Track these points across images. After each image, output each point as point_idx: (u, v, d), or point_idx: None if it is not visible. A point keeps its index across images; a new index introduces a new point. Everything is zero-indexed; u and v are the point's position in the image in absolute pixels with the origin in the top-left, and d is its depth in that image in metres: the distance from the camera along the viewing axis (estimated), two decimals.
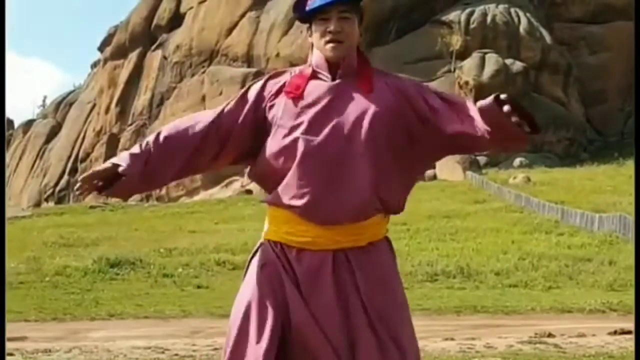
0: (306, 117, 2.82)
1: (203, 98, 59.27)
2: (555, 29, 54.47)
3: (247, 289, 2.85)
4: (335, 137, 2.79)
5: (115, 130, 67.60)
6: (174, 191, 58.46)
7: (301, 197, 2.77)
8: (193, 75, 62.04)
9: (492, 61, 48.19)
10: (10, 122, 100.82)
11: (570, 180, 34.93)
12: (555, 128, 48.02)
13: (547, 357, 7.82)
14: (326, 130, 2.79)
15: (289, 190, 2.79)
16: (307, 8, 2.89)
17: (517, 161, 44.20)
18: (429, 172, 44.31)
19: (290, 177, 2.79)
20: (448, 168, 43.38)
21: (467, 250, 19.44)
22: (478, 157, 45.56)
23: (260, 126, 2.90)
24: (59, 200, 66.73)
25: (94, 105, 73.20)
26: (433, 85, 49.76)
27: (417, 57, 50.39)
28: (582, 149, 49.14)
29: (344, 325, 2.76)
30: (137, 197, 60.69)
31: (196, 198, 53.04)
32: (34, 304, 13.00)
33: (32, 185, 73.71)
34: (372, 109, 2.82)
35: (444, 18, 52.63)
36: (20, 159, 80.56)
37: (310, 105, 2.84)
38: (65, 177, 70.22)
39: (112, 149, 66.18)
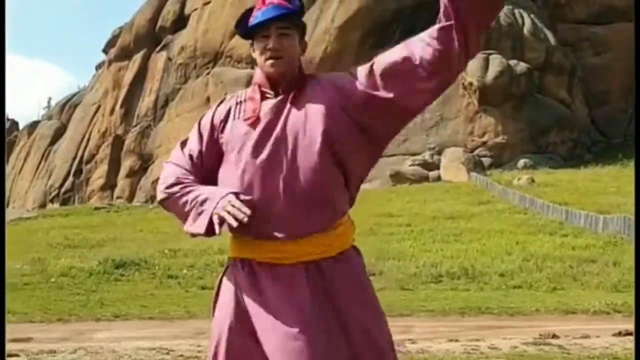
0: (252, 139, 2.85)
1: (208, 99, 59.29)
2: (559, 30, 54.39)
3: (216, 323, 2.92)
4: (282, 154, 2.81)
5: (120, 131, 67.67)
6: None
7: (261, 221, 2.77)
8: (197, 76, 62.08)
9: (496, 62, 48.13)
10: (15, 123, 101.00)
11: (574, 181, 34.90)
12: (559, 129, 47.97)
13: (552, 359, 7.83)
14: (273, 149, 2.81)
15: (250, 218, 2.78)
16: (249, 25, 2.92)
17: (521, 162, 44.17)
18: (433, 173, 44.35)
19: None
20: (452, 169, 43.43)
21: (472, 251, 19.43)
22: (482, 159, 45.56)
23: (219, 154, 2.95)
24: (64, 202, 66.81)
25: (99, 107, 73.27)
26: None
27: None
28: (586, 150, 49.05)
29: (324, 337, 2.75)
30: (141, 198, 60.82)
31: None
32: (39, 304, 13.05)
33: (37, 186, 73.80)
34: (312, 116, 2.84)
35: None
36: (25, 160, 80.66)
37: (255, 127, 2.86)
38: (70, 178, 70.29)
39: (116, 150, 66.30)
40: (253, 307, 2.81)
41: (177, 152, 3.03)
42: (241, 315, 2.83)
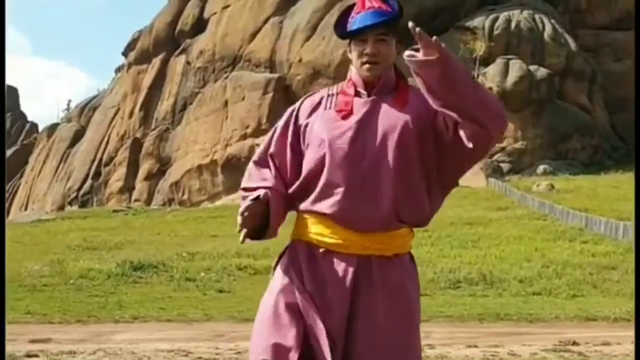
0: (341, 130, 2.88)
1: (226, 103, 59.46)
2: (580, 36, 54.20)
3: (270, 296, 2.89)
4: (367, 149, 2.86)
5: (138, 134, 67.96)
6: (196, 196, 58.71)
7: (333, 205, 2.84)
8: (216, 80, 62.25)
9: (516, 67, 48.02)
10: (35, 125, 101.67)
11: (594, 187, 34.73)
12: (580, 135, 47.78)
13: None
14: (359, 143, 2.86)
15: (321, 198, 2.86)
16: (347, 29, 2.96)
17: (540, 168, 44.01)
18: None
19: (323, 185, 2.86)
20: (471, 175, 43.23)
21: (490, 257, 19.34)
22: (501, 164, 45.40)
23: (300, 143, 2.99)
24: (83, 204, 67.14)
25: (118, 110, 73.65)
26: None
27: None
28: (606, 156, 48.80)
29: (345, 333, 2.80)
30: (159, 201, 61.01)
31: (218, 203, 53.21)
32: (57, 306, 13.07)
33: (55, 188, 74.21)
34: (403, 122, 2.88)
35: (468, 24, 52.52)
36: (44, 162, 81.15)
37: (346, 119, 2.91)
38: (89, 180, 70.65)
39: (135, 153, 66.57)
40: (305, 283, 2.86)
41: (260, 147, 3.14)
42: (291, 295, 2.85)
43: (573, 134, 47.48)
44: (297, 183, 2.94)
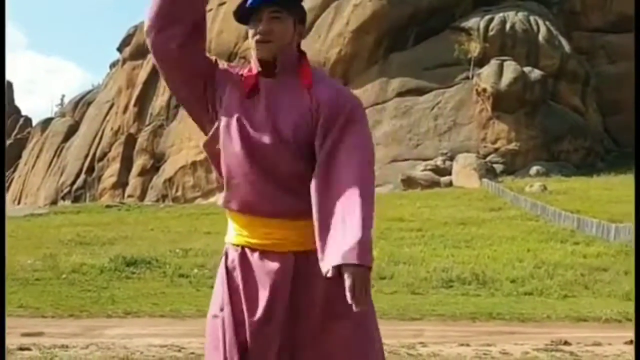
0: (246, 115, 2.86)
1: None
2: (574, 38, 54.33)
3: (212, 304, 3.00)
4: (268, 133, 2.83)
5: (132, 130, 67.90)
6: (190, 192, 58.70)
7: (246, 196, 2.86)
8: None
9: (511, 69, 48.12)
10: (29, 120, 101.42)
11: (586, 189, 34.83)
12: (573, 137, 47.90)
13: None
14: (261, 127, 2.83)
15: (237, 192, 2.89)
16: (247, 6, 2.92)
17: (533, 170, 44.12)
18: (445, 179, 44.30)
19: (235, 179, 2.89)
20: (464, 175, 43.38)
21: (483, 257, 19.40)
22: (495, 165, 45.50)
23: (212, 97, 2.98)
24: (76, 199, 67.07)
25: (112, 105, 73.58)
26: (451, 92, 49.77)
27: (435, 63, 50.35)
28: (599, 158, 48.95)
29: (290, 332, 2.81)
30: (153, 197, 60.95)
31: (212, 199, 53.22)
32: (50, 300, 13.08)
33: (49, 183, 74.10)
34: (298, 105, 2.85)
35: (463, 24, 52.59)
36: (37, 157, 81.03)
37: (250, 100, 2.88)
38: (82, 175, 70.57)
39: (129, 148, 66.51)
40: (240, 291, 2.88)
41: None
42: (231, 298, 2.90)
43: (566, 136, 47.60)
44: (212, 153, 2.97)
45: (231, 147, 2.85)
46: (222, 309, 2.91)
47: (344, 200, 2.63)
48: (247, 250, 2.90)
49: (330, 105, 2.81)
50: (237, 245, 2.93)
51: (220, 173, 2.96)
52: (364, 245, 2.54)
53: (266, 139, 2.81)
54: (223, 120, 2.88)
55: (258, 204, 2.84)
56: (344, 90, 2.95)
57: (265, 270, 2.84)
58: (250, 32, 2.92)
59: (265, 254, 2.86)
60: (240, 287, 2.86)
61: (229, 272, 2.93)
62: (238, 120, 2.85)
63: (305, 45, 3.05)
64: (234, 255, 2.93)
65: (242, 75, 2.95)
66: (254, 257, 2.88)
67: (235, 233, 2.95)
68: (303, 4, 3.02)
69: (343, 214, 2.61)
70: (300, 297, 2.82)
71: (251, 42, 2.92)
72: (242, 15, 2.95)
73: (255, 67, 2.93)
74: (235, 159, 2.84)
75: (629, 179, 39.06)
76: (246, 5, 2.91)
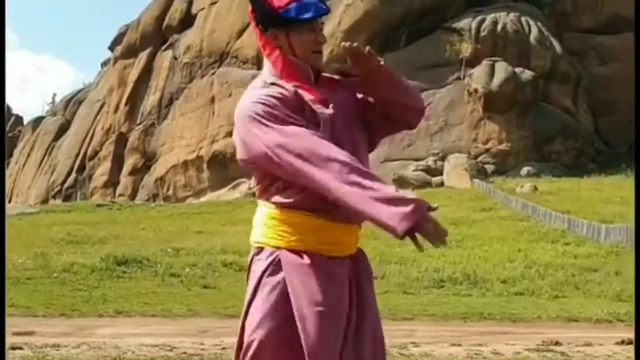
0: (327, 121, 2.86)
1: (212, 99, 59.36)
2: (566, 39, 54.40)
3: (270, 310, 2.78)
4: (349, 135, 2.89)
5: (124, 129, 67.72)
6: (181, 192, 58.59)
7: (324, 199, 2.74)
8: (203, 76, 62.13)
9: (502, 69, 48.17)
10: (20, 118, 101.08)
11: (577, 190, 34.91)
12: (563, 138, 47.99)
13: None
14: (341, 131, 2.87)
15: (309, 194, 2.77)
16: (297, 15, 2.87)
17: (524, 170, 44.19)
18: (436, 179, 44.36)
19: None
20: (456, 175, 43.45)
21: (474, 257, 19.44)
22: (486, 166, 45.58)
23: None
24: (66, 198, 66.87)
25: (103, 104, 73.34)
26: (443, 92, 49.82)
27: (427, 64, 50.37)
28: (589, 159, 49.04)
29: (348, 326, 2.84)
30: (144, 196, 60.83)
31: (203, 199, 53.16)
32: (41, 299, 13.06)
33: (39, 182, 73.86)
34: (351, 106, 2.98)
35: (454, 25, 52.63)
36: (28, 155, 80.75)
37: (321, 113, 2.87)
38: (73, 174, 70.37)
39: (120, 147, 66.35)
40: (303, 300, 2.77)
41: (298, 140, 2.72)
42: (289, 311, 2.78)
43: (557, 137, 47.69)
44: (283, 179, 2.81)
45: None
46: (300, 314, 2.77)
47: None
48: (307, 254, 2.82)
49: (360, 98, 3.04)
50: (301, 251, 2.82)
51: (270, 177, 2.84)
52: None
53: (346, 142, 2.85)
54: (318, 126, 2.82)
55: (336, 208, 2.74)
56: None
57: (331, 273, 2.82)
58: (303, 40, 2.91)
59: (330, 258, 2.85)
60: (308, 291, 2.78)
61: (293, 278, 2.80)
62: (321, 124, 2.84)
63: None
64: (294, 260, 2.82)
65: (295, 92, 2.86)
66: (319, 261, 2.82)
67: (295, 237, 2.82)
68: None
69: None
70: (354, 297, 2.89)
71: (304, 51, 2.92)
72: (289, 18, 2.89)
73: (304, 78, 2.91)
74: None
75: (619, 179, 39.21)
76: (308, 14, 2.88)
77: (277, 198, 2.84)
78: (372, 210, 2.57)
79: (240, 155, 2.83)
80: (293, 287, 2.78)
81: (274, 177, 2.82)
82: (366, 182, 2.59)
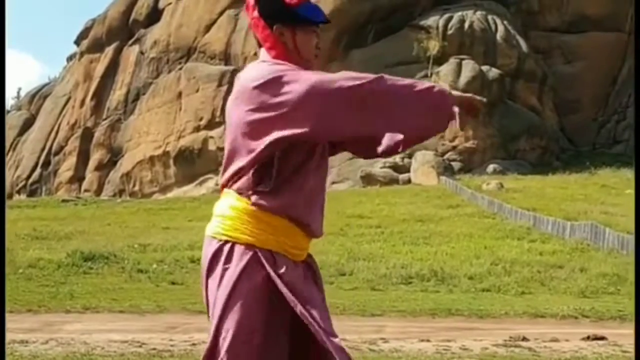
0: None
1: (179, 94, 59.09)
2: (532, 38, 54.90)
3: (246, 306, 2.76)
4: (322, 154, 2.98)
5: (89, 124, 67.19)
6: (147, 187, 58.28)
7: (309, 213, 2.88)
8: (170, 71, 61.83)
9: (469, 67, 48.48)
10: None
11: (542, 187, 35.26)
12: (529, 136, 48.44)
13: None
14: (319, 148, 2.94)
15: (298, 204, 2.82)
16: (310, 16, 2.92)
17: (490, 167, 44.53)
18: (404, 176, 44.55)
19: (299, 191, 2.85)
20: (423, 172, 43.64)
21: (441, 254, 19.56)
22: (452, 163, 45.86)
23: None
24: (31, 193, 66.21)
25: (69, 99, 72.71)
26: None
27: (394, 61, 50.55)
28: (554, 157, 49.56)
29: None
30: (109, 192, 60.41)
31: (169, 195, 52.89)
32: (7, 295, 12.88)
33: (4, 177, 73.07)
34: None
35: (422, 23, 52.87)
36: None
37: None
38: (38, 169, 69.70)
39: (86, 142, 65.82)
40: (288, 294, 2.79)
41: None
42: (276, 305, 2.81)
43: (523, 135, 48.12)
44: (279, 182, 2.82)
45: (311, 157, 2.88)
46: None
47: None
48: (279, 256, 2.85)
49: None
50: (271, 251, 2.83)
51: (258, 173, 2.83)
52: None
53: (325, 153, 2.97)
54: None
55: (308, 215, 2.89)
56: None
57: (297, 274, 2.89)
58: (307, 40, 2.96)
59: (296, 262, 2.92)
60: (291, 290, 2.80)
61: (278, 277, 2.80)
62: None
63: None
64: (279, 260, 2.83)
65: None
66: (289, 264, 2.86)
67: (273, 237, 2.83)
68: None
69: None
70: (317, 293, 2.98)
71: (308, 51, 2.97)
72: (297, 18, 2.92)
73: None
74: (308, 169, 2.87)
75: (583, 177, 39.68)
76: (318, 17, 2.96)
77: (261, 200, 2.82)
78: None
79: (271, 114, 2.76)
80: (287, 288, 2.79)
81: (262, 177, 2.82)
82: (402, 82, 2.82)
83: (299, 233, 2.86)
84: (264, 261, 2.78)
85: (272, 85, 2.76)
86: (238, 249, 2.80)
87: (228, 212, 2.86)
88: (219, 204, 2.92)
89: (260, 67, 2.89)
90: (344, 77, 2.74)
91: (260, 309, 2.76)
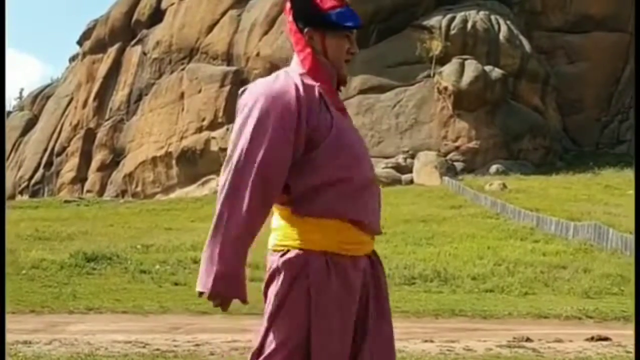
0: (348, 130, 2.93)
1: (182, 95, 59.08)
2: (535, 38, 54.83)
3: (292, 319, 2.77)
4: (363, 148, 3.00)
5: (92, 124, 67.20)
6: (150, 188, 58.28)
7: (358, 209, 2.85)
8: (172, 72, 61.80)
9: (472, 67, 48.43)
10: None
11: (545, 188, 35.23)
12: (532, 136, 48.38)
13: None
14: (360, 142, 2.99)
15: (344, 202, 2.82)
16: (340, 21, 2.92)
17: (493, 168, 44.49)
18: (406, 177, 44.51)
19: (345, 189, 2.83)
20: (425, 173, 43.62)
21: (444, 254, 19.54)
22: (455, 163, 45.82)
23: (304, 140, 2.83)
24: (34, 194, 66.24)
25: (72, 99, 72.73)
26: (413, 90, 49.96)
27: (397, 61, 50.53)
28: (557, 157, 49.50)
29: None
30: (112, 192, 60.43)
31: (172, 195, 52.90)
32: (10, 296, 12.89)
33: (6, 177, 73.11)
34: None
35: (425, 23, 52.82)
36: None
37: (343, 121, 2.95)
38: (41, 170, 69.72)
39: (88, 143, 65.83)
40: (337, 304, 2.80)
41: (240, 152, 2.77)
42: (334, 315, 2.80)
43: (526, 135, 48.06)
44: (311, 186, 2.80)
45: (342, 155, 2.84)
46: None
47: None
48: (336, 255, 2.83)
49: None
50: (326, 252, 2.81)
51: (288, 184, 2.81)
52: None
53: (363, 150, 2.97)
54: (329, 130, 2.84)
55: (368, 217, 2.90)
56: None
57: (358, 272, 2.88)
58: (339, 45, 2.95)
59: (355, 258, 2.89)
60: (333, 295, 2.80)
61: (319, 282, 2.78)
62: (345, 131, 2.90)
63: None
64: (321, 263, 2.81)
65: (314, 88, 2.88)
66: (346, 262, 2.84)
67: (321, 238, 2.81)
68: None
69: None
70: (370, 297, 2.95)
71: (337, 57, 2.96)
72: (329, 22, 2.92)
73: (329, 80, 2.96)
74: (347, 170, 2.85)
75: (586, 178, 39.65)
76: (350, 22, 2.95)
77: (299, 208, 2.83)
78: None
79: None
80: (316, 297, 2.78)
81: (288, 185, 2.83)
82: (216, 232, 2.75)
83: (349, 228, 2.84)
84: (312, 267, 2.79)
85: (240, 113, 2.86)
86: (290, 255, 2.81)
87: (278, 223, 2.90)
88: (272, 219, 2.95)
89: (258, 84, 2.95)
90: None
91: (307, 318, 2.77)
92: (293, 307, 2.76)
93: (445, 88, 48.14)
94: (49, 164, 69.20)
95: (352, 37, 2.98)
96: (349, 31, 2.96)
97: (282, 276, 2.79)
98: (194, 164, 55.00)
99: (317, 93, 2.86)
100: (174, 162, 57.25)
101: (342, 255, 2.82)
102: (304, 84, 2.86)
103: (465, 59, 49.20)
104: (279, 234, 2.87)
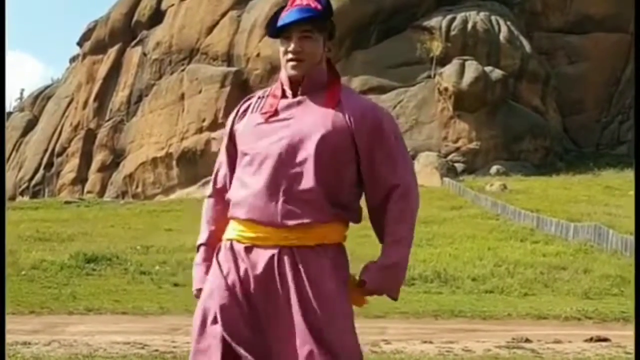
0: (263, 132, 2.96)
1: (182, 96, 59.06)
2: (535, 38, 54.86)
3: (204, 294, 3.03)
4: (287, 149, 2.92)
5: (92, 125, 67.16)
6: (150, 189, 58.26)
7: (249, 209, 2.95)
8: (172, 72, 61.77)
9: (472, 68, 48.43)
10: None
11: (545, 189, 35.22)
12: (532, 137, 48.38)
13: None
14: (279, 144, 2.92)
15: (238, 201, 3.00)
16: (275, 25, 2.99)
17: (493, 169, 44.50)
18: None
19: (242, 191, 2.99)
20: (426, 174, 43.56)
21: (444, 255, 19.52)
22: (455, 164, 45.84)
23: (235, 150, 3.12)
24: (34, 195, 66.21)
25: (72, 100, 72.68)
26: (413, 90, 49.98)
27: (397, 62, 50.54)
28: (558, 158, 49.50)
29: (273, 321, 2.92)
30: (112, 193, 60.40)
31: (172, 196, 52.87)
32: (10, 297, 12.89)
33: (7, 178, 73.09)
34: (328, 120, 2.94)
35: (425, 23, 52.84)
36: None
37: (269, 121, 2.98)
38: (41, 171, 69.69)
39: (88, 144, 65.80)
40: (230, 280, 2.97)
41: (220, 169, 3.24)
42: (226, 286, 2.97)
43: (526, 136, 48.07)
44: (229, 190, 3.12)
45: (252, 162, 3.00)
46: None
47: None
48: (234, 243, 3.04)
49: (362, 122, 2.98)
50: (228, 240, 3.09)
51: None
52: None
53: (285, 154, 2.94)
54: (243, 143, 3.04)
55: (268, 214, 2.98)
56: (374, 106, 3.14)
57: (251, 261, 2.99)
58: (281, 49, 3.00)
59: (252, 247, 3.00)
60: (229, 281, 3.01)
61: (221, 266, 3.06)
62: (257, 137, 2.99)
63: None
64: (223, 250, 3.10)
65: (261, 97, 3.09)
66: (241, 250, 3.02)
67: (229, 230, 3.12)
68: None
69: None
70: (284, 286, 2.97)
71: (282, 61, 3.01)
72: (272, 30, 3.02)
73: (283, 85, 3.03)
74: (254, 172, 2.99)
75: (587, 179, 39.64)
76: (279, 24, 2.98)
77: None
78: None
79: None
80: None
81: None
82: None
83: (246, 223, 3.00)
84: (221, 248, 3.10)
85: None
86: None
87: None
88: None
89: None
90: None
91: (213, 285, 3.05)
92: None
93: (446, 89, 48.15)
94: (50, 164, 69.19)
95: (292, 36, 2.95)
96: (287, 33, 2.95)
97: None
98: (194, 164, 54.97)
99: (249, 104, 3.09)
100: (174, 163, 57.23)
101: (240, 243, 2.99)
102: (256, 94, 3.15)
103: (466, 60, 49.21)
104: None
